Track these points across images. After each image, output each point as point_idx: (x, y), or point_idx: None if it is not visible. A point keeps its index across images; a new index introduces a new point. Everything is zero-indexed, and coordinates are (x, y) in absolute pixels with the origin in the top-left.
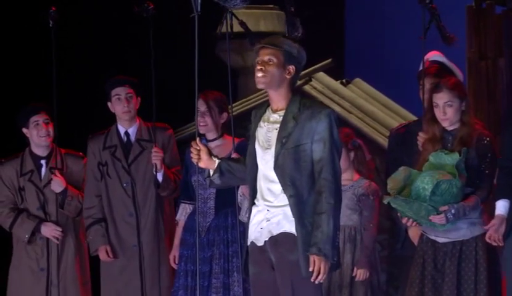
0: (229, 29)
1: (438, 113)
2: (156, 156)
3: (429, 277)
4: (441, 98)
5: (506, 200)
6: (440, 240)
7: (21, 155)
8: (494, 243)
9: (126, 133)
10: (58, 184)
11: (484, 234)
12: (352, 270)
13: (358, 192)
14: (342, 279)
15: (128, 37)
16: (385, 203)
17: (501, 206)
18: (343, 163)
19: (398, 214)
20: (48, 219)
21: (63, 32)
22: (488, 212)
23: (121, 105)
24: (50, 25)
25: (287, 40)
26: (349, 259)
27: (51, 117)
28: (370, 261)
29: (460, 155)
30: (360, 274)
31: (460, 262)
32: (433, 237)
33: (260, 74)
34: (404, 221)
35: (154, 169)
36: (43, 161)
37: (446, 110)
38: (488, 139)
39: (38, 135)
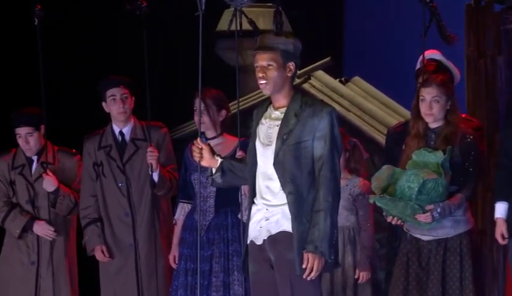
0: (238, 27)
1: (423, 108)
2: (151, 156)
3: (414, 275)
4: (429, 93)
5: (505, 202)
6: (425, 238)
7: (15, 150)
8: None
9: (121, 133)
10: (50, 183)
11: (468, 231)
12: (354, 271)
13: (354, 192)
14: (345, 281)
15: (124, 35)
16: (371, 202)
17: (501, 209)
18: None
19: (384, 213)
20: (37, 213)
21: (55, 31)
22: (472, 209)
23: (117, 105)
24: (36, 23)
25: (280, 37)
26: (351, 261)
27: (36, 127)
28: (371, 261)
29: (444, 154)
30: (363, 276)
31: (445, 259)
32: (417, 235)
33: (263, 82)
34: (389, 219)
35: (150, 169)
36: (34, 157)
37: (432, 105)
38: (471, 136)
39: (23, 147)
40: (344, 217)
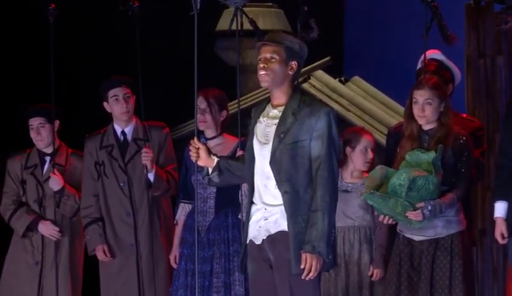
0: (240, 27)
1: (416, 110)
2: (146, 156)
3: (405, 275)
4: (422, 96)
5: (505, 201)
6: (416, 238)
7: (29, 150)
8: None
9: (123, 132)
10: (56, 183)
11: (460, 232)
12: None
13: None
14: (361, 280)
15: (124, 34)
16: (362, 199)
17: (500, 209)
18: (358, 161)
19: (376, 213)
20: (43, 213)
21: (63, 30)
22: (471, 210)
23: (119, 105)
24: (51, 22)
25: (289, 35)
26: (367, 260)
27: (47, 119)
28: (385, 259)
29: (436, 153)
30: (377, 273)
31: (435, 259)
32: (409, 236)
33: (263, 73)
34: (380, 218)
35: (145, 170)
36: (47, 158)
37: (425, 107)
38: (464, 138)
39: (34, 139)
40: (360, 217)
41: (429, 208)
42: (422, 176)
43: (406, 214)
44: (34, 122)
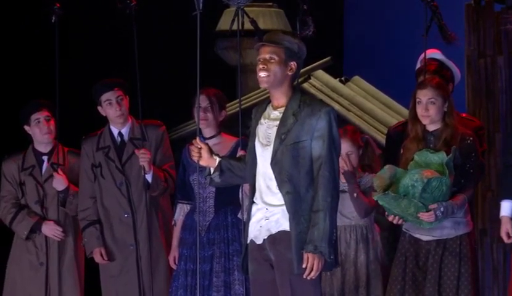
0: (240, 27)
1: (420, 110)
2: (143, 158)
3: (410, 274)
4: (425, 95)
5: (511, 200)
6: (424, 238)
7: (24, 152)
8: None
9: (120, 133)
10: (60, 182)
11: (468, 233)
12: (367, 270)
13: (366, 189)
14: (357, 279)
15: (127, 34)
16: (375, 199)
17: (506, 208)
18: (354, 160)
19: (386, 213)
20: (45, 213)
21: (67, 29)
22: (472, 210)
23: (113, 109)
24: (53, 21)
25: (287, 36)
26: (363, 260)
27: (52, 113)
28: (382, 258)
29: (447, 154)
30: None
31: (443, 259)
32: (417, 235)
33: (262, 74)
34: (390, 218)
35: (142, 171)
36: (45, 157)
37: (428, 107)
38: (471, 138)
39: (40, 132)
40: (357, 216)
41: (442, 209)
42: (436, 178)
43: (419, 215)
44: (41, 115)
